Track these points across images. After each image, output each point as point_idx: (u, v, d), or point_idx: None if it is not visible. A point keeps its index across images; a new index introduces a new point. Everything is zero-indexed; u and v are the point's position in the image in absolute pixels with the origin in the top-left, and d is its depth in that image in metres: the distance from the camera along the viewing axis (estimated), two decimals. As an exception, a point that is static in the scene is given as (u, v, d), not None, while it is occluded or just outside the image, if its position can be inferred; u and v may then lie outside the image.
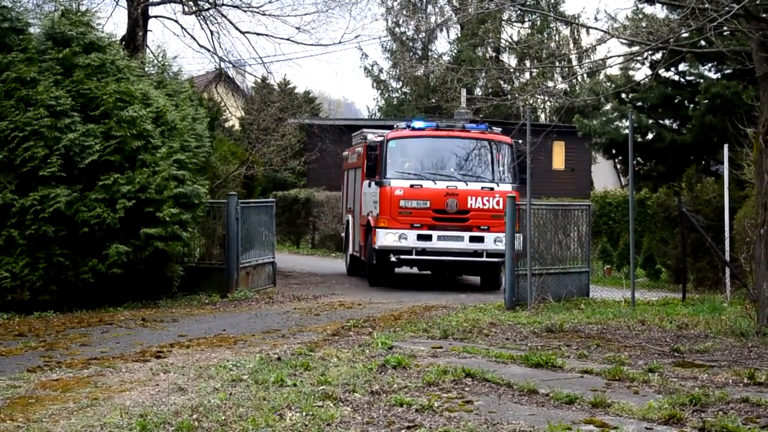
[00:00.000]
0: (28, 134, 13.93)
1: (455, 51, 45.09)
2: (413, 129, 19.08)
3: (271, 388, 7.51)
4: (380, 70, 47.54)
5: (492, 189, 18.20)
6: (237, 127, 34.54)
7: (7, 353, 9.99)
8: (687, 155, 25.18)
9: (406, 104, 45.11)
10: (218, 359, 9.23)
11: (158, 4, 23.34)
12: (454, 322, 12.27)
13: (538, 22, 44.23)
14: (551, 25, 44.19)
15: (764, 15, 11.36)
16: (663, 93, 25.54)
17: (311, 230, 33.88)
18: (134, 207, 14.46)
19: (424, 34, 45.99)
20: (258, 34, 24.90)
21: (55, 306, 14.03)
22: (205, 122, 18.36)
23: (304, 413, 6.59)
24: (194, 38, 29.11)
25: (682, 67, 25.35)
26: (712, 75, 25.44)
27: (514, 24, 45.33)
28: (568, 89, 37.80)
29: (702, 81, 25.03)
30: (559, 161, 37.17)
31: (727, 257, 15.55)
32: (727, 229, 15.89)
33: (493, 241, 17.94)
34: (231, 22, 24.23)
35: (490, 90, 41.35)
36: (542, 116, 44.79)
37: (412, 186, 18.21)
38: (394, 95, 47.52)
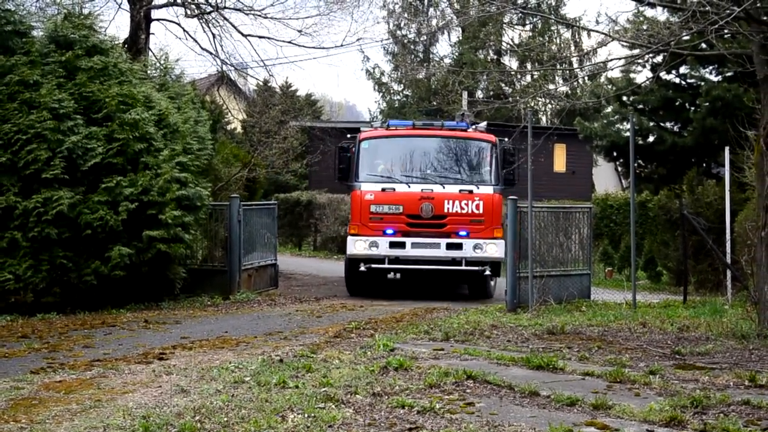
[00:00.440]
0: (31, 137, 13.97)
1: (456, 54, 45.10)
2: (388, 128, 18.01)
3: (273, 390, 7.54)
4: (382, 73, 47.55)
5: (471, 192, 16.94)
6: (239, 129, 34.59)
7: (11, 355, 10.02)
8: (688, 158, 25.18)
9: (408, 107, 45.11)
10: (221, 361, 9.26)
11: (161, 7, 23.38)
12: (456, 324, 12.29)
13: (540, 25, 44.25)
14: (552, 28, 44.19)
15: (765, 18, 11.38)
16: (664, 96, 25.53)
17: (313, 232, 33.91)
18: (137, 209, 14.50)
19: (425, 37, 46.00)
20: (260, 37, 24.94)
21: (58, 308, 14.06)
22: (208, 125, 18.39)
23: (306, 415, 6.62)
24: (196, 41, 29.07)
25: (683, 69, 25.35)
26: (713, 78, 25.43)
27: (516, 27, 45.36)
28: (570, 92, 37.80)
29: (703, 84, 25.02)
30: (560, 164, 37.20)
31: (728, 259, 15.56)
32: (728, 231, 15.90)
33: (473, 248, 16.75)
34: (233, 25, 24.27)
35: (491, 92, 41.39)
36: (543, 119, 44.80)
37: (383, 189, 16.96)
38: (395, 98, 47.52)
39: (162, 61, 19.20)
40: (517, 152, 17.42)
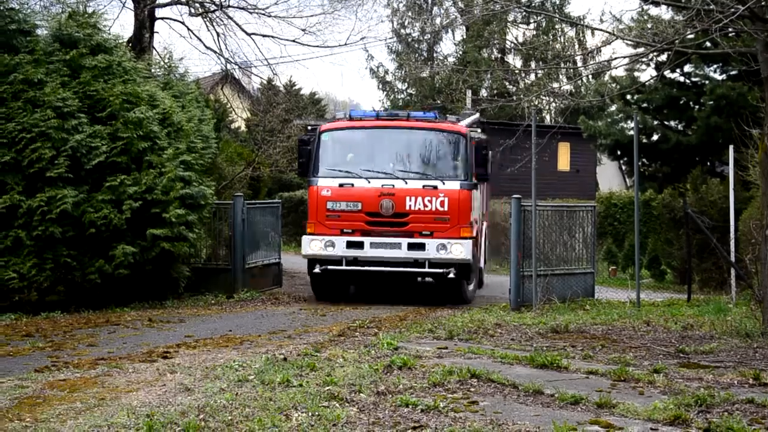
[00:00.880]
0: (36, 135, 13.98)
1: (460, 52, 45.08)
2: (350, 119, 16.70)
3: (278, 389, 7.54)
4: (386, 72, 47.55)
5: (435, 188, 15.56)
6: (243, 128, 34.61)
7: (15, 353, 10.04)
8: (692, 156, 25.15)
9: (412, 105, 45.09)
10: (225, 360, 9.26)
11: (165, 5, 23.42)
12: (460, 322, 12.30)
13: (544, 24, 44.21)
14: (556, 27, 44.15)
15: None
16: (668, 94, 25.50)
17: (317, 231, 33.84)
18: (141, 208, 14.52)
19: (429, 36, 45.98)
20: (264, 35, 24.98)
21: (63, 306, 14.08)
22: (212, 123, 18.42)
23: (310, 413, 6.62)
24: (200, 40, 29.20)
25: (687, 68, 25.30)
26: (718, 76, 25.39)
27: (520, 25, 45.32)
28: (573, 90, 37.77)
29: (707, 82, 24.98)
30: (564, 162, 37.17)
31: (733, 258, 15.54)
32: (732, 230, 15.89)
33: (436, 249, 15.42)
34: (237, 24, 24.30)
35: (495, 91, 41.37)
36: (547, 117, 44.76)
37: (341, 185, 15.76)
38: (399, 96, 47.50)
39: (166, 60, 19.26)
40: (490, 145, 16.57)
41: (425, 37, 46.71)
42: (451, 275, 15.50)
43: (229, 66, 25.78)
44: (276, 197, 29.75)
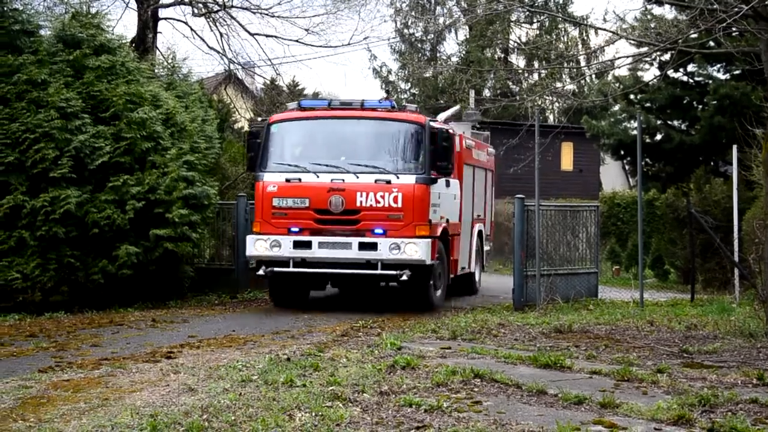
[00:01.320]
0: (39, 136, 14.00)
1: (464, 52, 45.08)
2: (301, 109, 15.33)
3: (281, 389, 7.54)
4: (389, 72, 47.56)
5: (389, 182, 14.18)
6: (246, 128, 34.57)
7: (19, 354, 10.05)
8: (696, 156, 25.13)
9: (416, 105, 45.11)
10: (228, 360, 9.27)
11: (168, 6, 23.46)
12: (463, 322, 12.29)
13: (547, 23, 44.21)
14: (560, 26, 44.16)
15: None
16: (671, 94, 25.48)
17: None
18: (144, 208, 14.54)
19: (432, 36, 45.96)
20: (267, 35, 25.01)
21: (66, 307, 14.10)
22: (215, 124, 18.44)
23: (313, 413, 6.62)
24: (204, 40, 29.12)
25: (690, 67, 25.29)
26: (721, 76, 25.37)
27: (523, 25, 45.33)
28: (577, 90, 37.78)
29: (711, 82, 24.96)
30: (567, 162, 37.19)
31: (736, 258, 15.53)
32: (735, 229, 15.87)
33: (389, 249, 13.95)
34: (240, 24, 24.36)
35: (498, 91, 41.37)
36: (551, 117, 44.77)
37: (288, 180, 14.44)
38: (402, 96, 47.52)
39: (169, 60, 19.28)
40: (453, 137, 15.31)
41: (428, 37, 46.71)
42: (404, 277, 13.97)
43: (232, 66, 25.85)
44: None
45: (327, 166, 14.50)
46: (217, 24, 23.89)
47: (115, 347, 10.44)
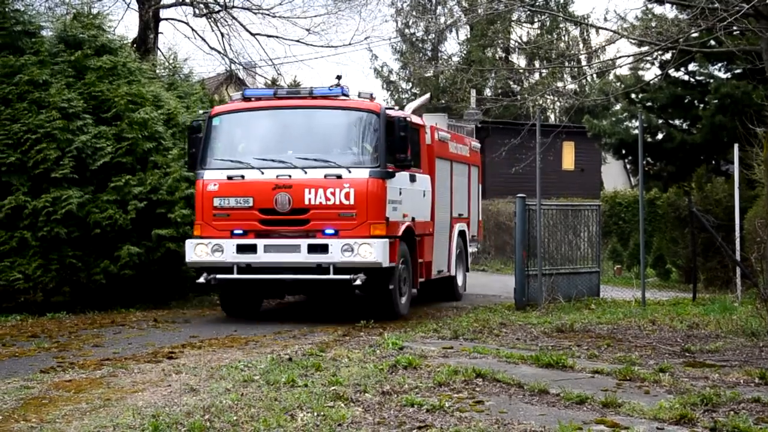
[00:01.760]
0: (41, 136, 14.01)
1: (465, 52, 45.10)
2: (245, 99, 13.87)
3: (283, 389, 7.55)
4: (390, 71, 47.59)
5: (340, 177, 12.76)
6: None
7: (21, 354, 10.06)
8: (697, 155, 25.13)
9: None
10: (230, 360, 9.27)
11: (169, 6, 23.48)
12: (465, 322, 12.29)
13: (548, 23, 44.22)
14: (561, 26, 44.17)
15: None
16: (673, 93, 25.48)
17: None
18: (146, 208, 14.55)
19: (433, 35, 46.01)
20: (268, 36, 25.05)
21: (68, 307, 14.10)
22: (216, 124, 18.40)
23: (315, 413, 6.62)
24: (205, 40, 29.08)
25: (691, 67, 25.29)
26: (722, 75, 25.37)
27: (524, 24, 45.31)
28: (578, 89, 37.76)
29: (712, 81, 24.96)
30: (568, 161, 37.16)
31: (738, 257, 15.52)
32: (737, 228, 15.86)
33: (341, 251, 12.54)
34: (241, 24, 24.38)
35: (499, 90, 41.37)
36: (552, 116, 44.77)
37: (230, 178, 13.05)
38: (404, 96, 47.51)
39: (171, 61, 19.29)
40: (417, 127, 14.36)
41: (429, 37, 46.76)
42: (358, 282, 12.62)
43: (233, 66, 25.88)
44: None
45: (272, 161, 13.13)
46: (219, 24, 23.93)
47: (116, 347, 10.44)
